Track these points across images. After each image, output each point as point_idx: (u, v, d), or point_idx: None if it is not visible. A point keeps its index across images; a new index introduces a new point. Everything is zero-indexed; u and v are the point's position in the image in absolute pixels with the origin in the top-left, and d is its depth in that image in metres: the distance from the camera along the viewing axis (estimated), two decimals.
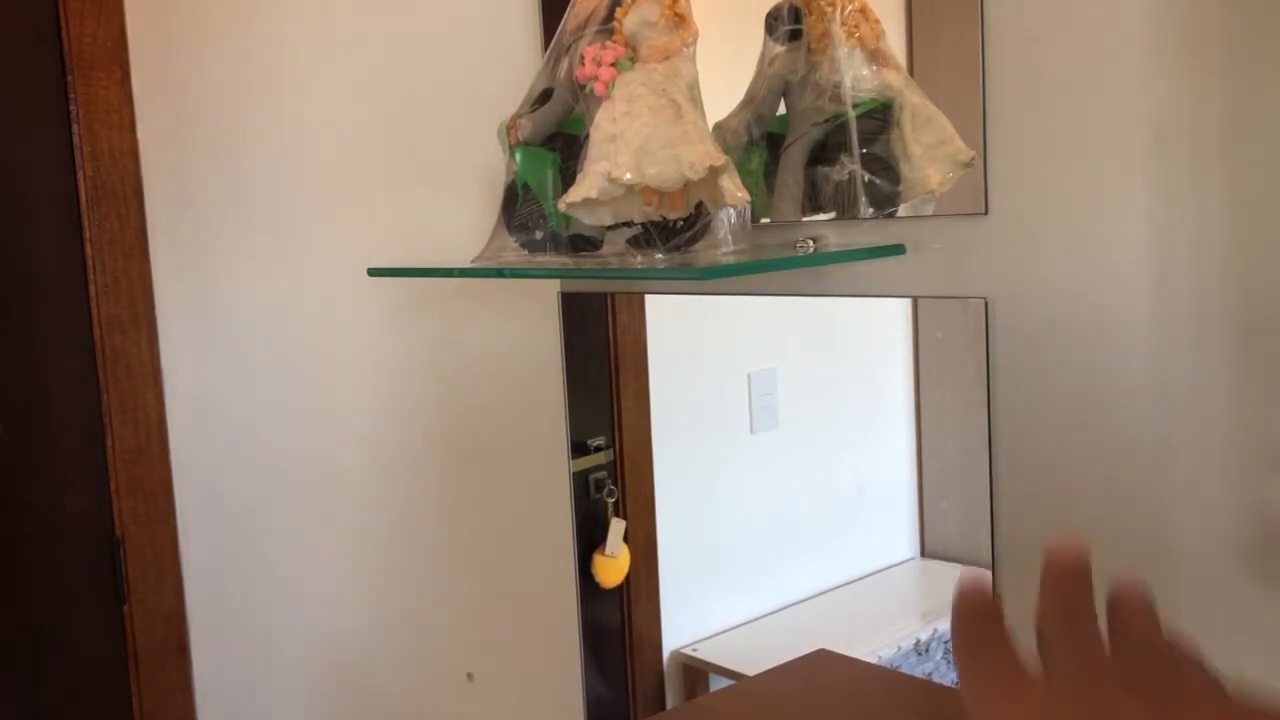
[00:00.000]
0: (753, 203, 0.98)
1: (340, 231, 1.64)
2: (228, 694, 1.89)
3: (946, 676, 1.04)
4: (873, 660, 1.10)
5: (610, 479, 1.34)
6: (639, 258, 0.95)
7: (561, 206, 0.95)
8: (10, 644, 1.57)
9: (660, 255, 0.94)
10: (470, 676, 1.58)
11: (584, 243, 1.03)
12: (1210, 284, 0.82)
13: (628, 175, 0.90)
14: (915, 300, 1.00)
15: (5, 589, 1.56)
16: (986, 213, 0.93)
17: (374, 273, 1.12)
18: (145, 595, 1.65)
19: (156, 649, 1.67)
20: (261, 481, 1.81)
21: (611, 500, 1.34)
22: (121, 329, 1.63)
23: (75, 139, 1.61)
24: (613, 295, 1.28)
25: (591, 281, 1.29)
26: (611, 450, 1.33)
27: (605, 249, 1.03)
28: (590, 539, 1.36)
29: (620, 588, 1.35)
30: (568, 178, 1.00)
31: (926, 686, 1.07)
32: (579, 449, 1.37)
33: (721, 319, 1.21)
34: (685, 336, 1.26)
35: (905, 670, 1.07)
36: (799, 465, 1.17)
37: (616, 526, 1.34)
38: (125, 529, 1.63)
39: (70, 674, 1.63)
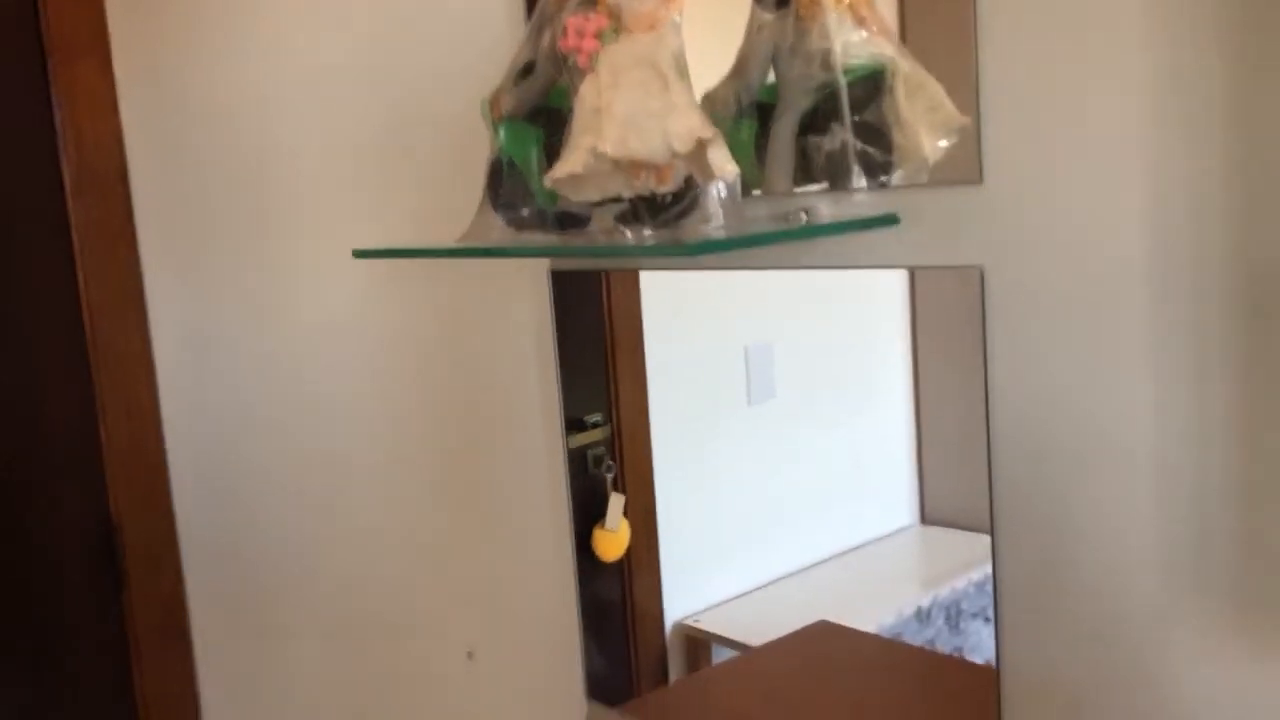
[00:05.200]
0: (743, 175, 0.97)
1: (328, 213, 1.63)
2: (230, 677, 1.90)
3: (948, 643, 1.04)
4: (874, 628, 1.10)
5: (608, 454, 1.33)
6: (628, 234, 0.93)
7: (547, 183, 0.94)
8: (9, 632, 1.57)
9: (649, 231, 0.93)
10: (470, 655, 1.58)
11: (571, 219, 1.01)
12: (1209, 248, 0.81)
13: (613, 149, 0.89)
14: (912, 269, 1.00)
15: (2, 578, 1.56)
16: (981, 181, 0.92)
17: (359, 254, 1.10)
18: (144, 581, 1.65)
19: (157, 634, 1.67)
20: (257, 465, 1.80)
21: (610, 475, 1.33)
22: (111, 317, 1.62)
23: (58, 125, 1.59)
24: (606, 271, 1.27)
25: (581, 259, 1.28)
26: (609, 426, 1.33)
27: (593, 225, 1.01)
28: (590, 514, 1.36)
29: (621, 562, 1.35)
30: (553, 153, 0.99)
31: (926, 656, 1.07)
32: (576, 425, 1.36)
33: (717, 292, 1.20)
34: (681, 310, 1.25)
35: (907, 637, 1.07)
36: (797, 436, 1.17)
37: (615, 501, 1.33)
38: (122, 516, 1.63)
39: (71, 662, 1.63)
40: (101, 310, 1.61)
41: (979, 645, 1.00)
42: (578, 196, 0.95)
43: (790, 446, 1.17)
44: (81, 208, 1.60)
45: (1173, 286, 0.83)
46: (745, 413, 1.20)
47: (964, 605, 1.01)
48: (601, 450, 1.34)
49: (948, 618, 1.04)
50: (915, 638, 1.07)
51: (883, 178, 0.97)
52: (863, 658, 1.13)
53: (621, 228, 0.95)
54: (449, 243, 1.07)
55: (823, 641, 1.16)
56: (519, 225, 1.02)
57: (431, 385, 1.55)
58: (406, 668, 1.68)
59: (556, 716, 1.45)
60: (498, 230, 1.03)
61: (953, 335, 0.98)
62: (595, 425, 1.34)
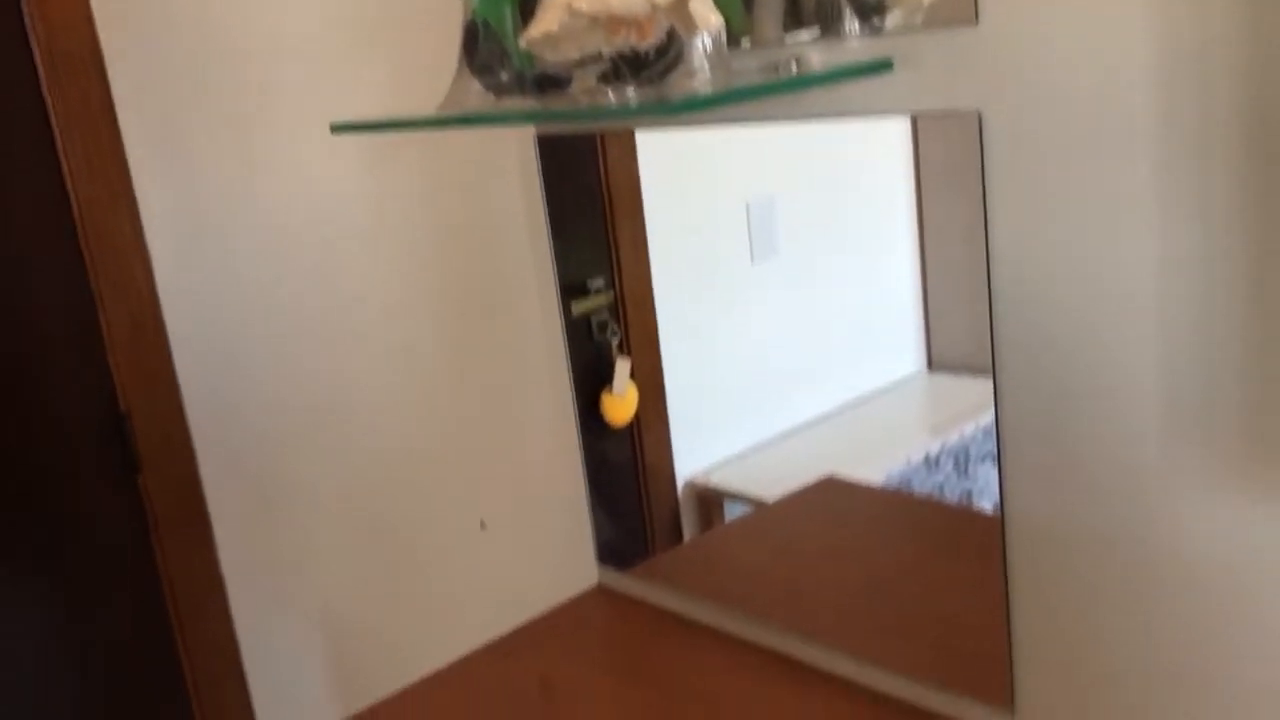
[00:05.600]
0: (730, 23, 0.92)
1: (308, 87, 1.58)
2: (250, 554, 1.94)
3: (957, 487, 1.04)
4: (883, 475, 1.11)
5: (612, 319, 1.32)
6: (610, 94, 0.90)
7: (523, 43, 0.90)
8: (29, 524, 1.60)
9: (632, 90, 0.89)
10: (483, 525, 1.61)
11: (551, 82, 0.97)
12: (1215, 84, 0.77)
13: (588, 5, 0.84)
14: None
15: (16, 471, 1.58)
16: (977, 22, 0.88)
17: (336, 128, 1.07)
18: (158, 467, 1.66)
19: (176, 518, 1.70)
20: (260, 346, 1.80)
21: (615, 340, 1.33)
22: (101, 208, 1.58)
23: (24, 9, 1.53)
24: (600, 132, 1.24)
25: (566, 123, 1.24)
26: (611, 291, 1.31)
27: (574, 87, 0.97)
28: (597, 380, 1.36)
29: (630, 425, 1.35)
30: (528, 12, 0.94)
31: (933, 506, 1.07)
32: (578, 291, 1.35)
33: (715, 148, 1.16)
34: (679, 169, 1.22)
35: (916, 483, 1.08)
36: (802, 290, 1.15)
37: (622, 365, 1.33)
38: (130, 404, 1.63)
39: (93, 549, 1.66)
40: (91, 202, 1.57)
41: (987, 488, 1.00)
42: (555, 56, 0.91)
43: (795, 301, 1.16)
44: (58, 96, 1.54)
45: (1176, 124, 0.80)
46: (749, 270, 1.18)
47: (972, 450, 1.02)
48: (605, 315, 1.33)
49: (956, 463, 1.04)
50: (924, 483, 1.07)
51: (876, 21, 0.93)
52: (870, 511, 1.14)
53: (603, 88, 0.91)
54: (428, 113, 1.03)
55: (830, 496, 1.17)
56: (498, 91, 0.99)
57: (426, 258, 1.53)
58: (420, 539, 1.72)
59: (569, 581, 1.48)
60: (476, 96, 0.99)
61: (957, 178, 0.95)
62: (598, 291, 1.33)
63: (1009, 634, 1.02)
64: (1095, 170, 0.85)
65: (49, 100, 1.52)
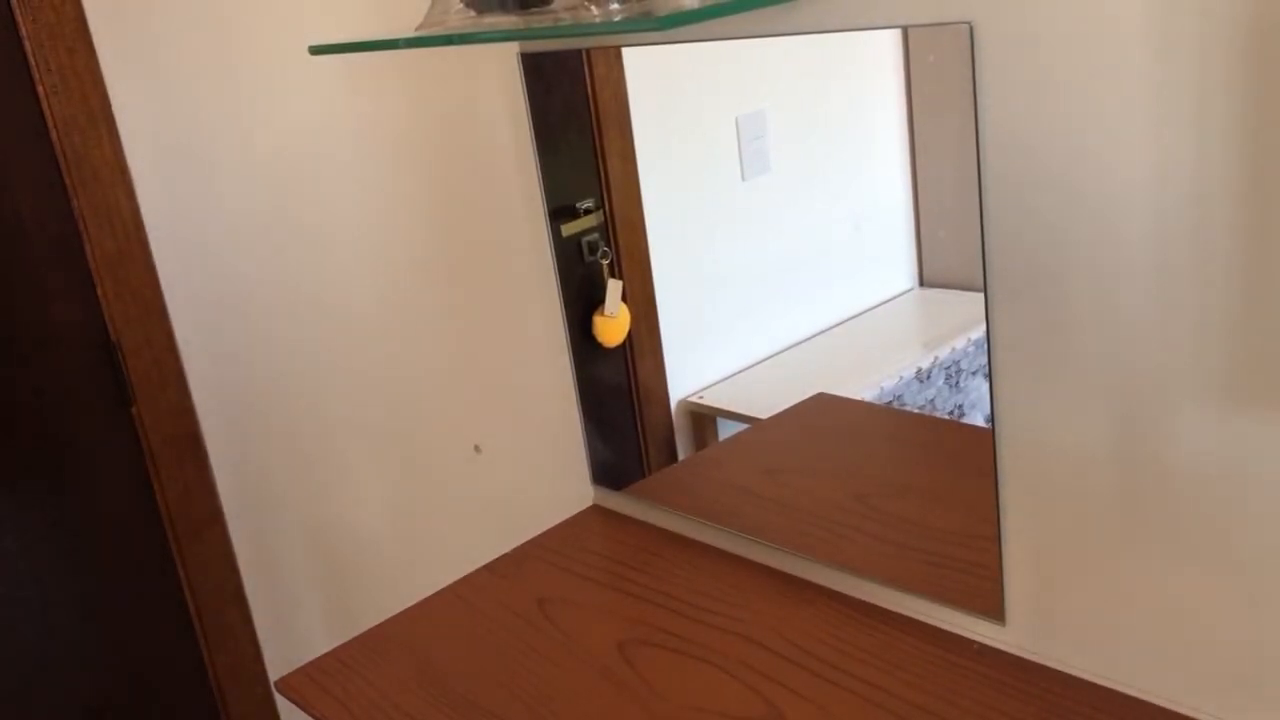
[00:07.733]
0: None
1: (291, 5, 1.54)
2: (248, 483, 1.95)
3: (949, 401, 1.05)
4: (875, 391, 1.11)
5: (603, 240, 1.31)
6: (594, 10, 0.87)
7: None
8: (27, 454, 1.60)
9: (616, 5, 0.87)
10: (477, 449, 1.61)
11: None
12: None
13: None
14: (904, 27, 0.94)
15: (11, 402, 1.58)
16: None
17: (315, 50, 1.05)
18: (151, 395, 1.66)
19: (171, 446, 1.71)
20: (248, 271, 1.79)
21: (606, 261, 1.32)
22: (79, 129, 1.56)
23: None
24: (587, 49, 1.21)
25: (550, 40, 1.21)
26: (602, 211, 1.30)
27: (557, 3, 0.95)
28: (590, 301, 1.36)
29: (623, 346, 1.35)
30: None
31: (926, 420, 1.08)
32: (568, 213, 1.33)
33: (703, 61, 1.14)
34: (667, 84, 1.20)
35: (908, 398, 1.08)
36: (794, 207, 1.14)
37: (613, 287, 1.33)
38: (120, 333, 1.63)
39: (89, 479, 1.67)
40: (69, 124, 1.55)
41: (979, 402, 1.01)
42: None
43: (787, 220, 1.15)
44: (30, 15, 1.50)
45: (1174, 34, 0.78)
46: (740, 188, 1.17)
47: (963, 364, 1.02)
48: (596, 236, 1.32)
49: (948, 377, 1.05)
50: (916, 398, 1.08)
51: None
52: (861, 426, 1.15)
53: (587, 3, 0.89)
54: (408, 32, 1.01)
55: (822, 412, 1.18)
56: (479, 7, 0.96)
57: (412, 185, 1.51)
58: (416, 464, 1.72)
59: (564, 502, 1.50)
60: (455, 14, 0.96)
61: (949, 92, 0.94)
62: (588, 211, 1.32)
63: (999, 546, 1.03)
64: (1088, 81, 0.84)
65: (19, 18, 1.48)
